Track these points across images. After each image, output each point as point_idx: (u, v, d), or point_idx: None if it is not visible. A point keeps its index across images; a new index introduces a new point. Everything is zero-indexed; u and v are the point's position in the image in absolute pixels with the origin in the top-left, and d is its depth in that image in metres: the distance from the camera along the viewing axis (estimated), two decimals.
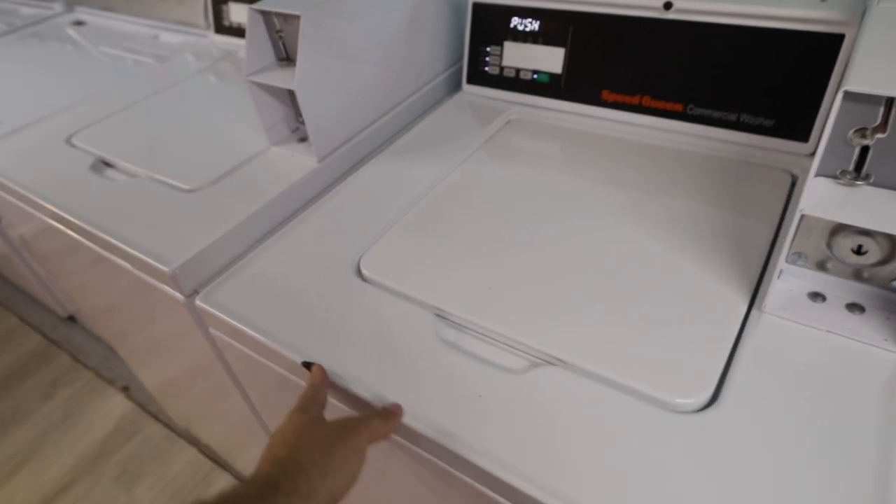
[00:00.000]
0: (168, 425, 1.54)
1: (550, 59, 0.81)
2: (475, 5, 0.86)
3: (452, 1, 0.92)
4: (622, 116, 0.78)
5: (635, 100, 0.76)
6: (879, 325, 0.48)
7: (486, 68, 0.88)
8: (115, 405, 1.62)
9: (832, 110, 0.43)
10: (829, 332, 0.49)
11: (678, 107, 0.73)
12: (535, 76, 0.83)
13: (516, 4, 0.81)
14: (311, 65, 0.72)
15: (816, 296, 0.52)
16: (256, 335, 0.58)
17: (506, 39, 0.84)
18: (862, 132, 0.44)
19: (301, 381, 0.58)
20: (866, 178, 0.46)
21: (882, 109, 0.43)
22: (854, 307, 0.50)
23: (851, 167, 0.46)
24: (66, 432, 1.57)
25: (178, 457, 1.47)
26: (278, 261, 0.67)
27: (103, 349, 1.78)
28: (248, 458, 1.25)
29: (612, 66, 0.76)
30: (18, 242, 1.53)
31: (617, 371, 0.48)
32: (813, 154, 0.46)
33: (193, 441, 1.49)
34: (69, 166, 0.88)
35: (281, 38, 0.78)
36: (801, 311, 0.51)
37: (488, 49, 0.87)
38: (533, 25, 0.81)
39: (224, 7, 1.24)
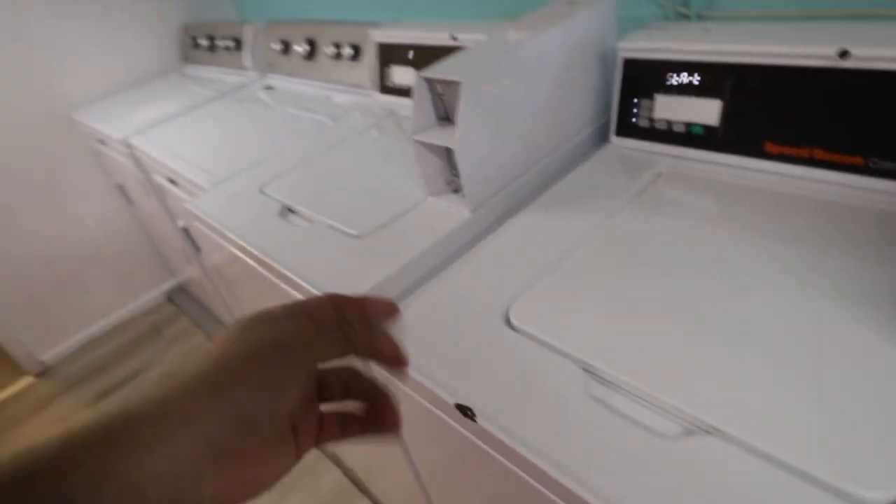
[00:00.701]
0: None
1: (706, 111, 0.79)
2: (626, 61, 0.87)
3: (601, 55, 0.94)
4: (788, 170, 0.73)
5: (804, 152, 0.71)
6: None
7: (636, 120, 0.89)
8: None
9: None
10: None
11: (857, 160, 0.67)
12: (689, 128, 0.82)
13: (670, 59, 0.82)
14: (469, 125, 0.78)
15: None
16: (412, 373, 0.63)
17: (657, 92, 0.84)
18: None
19: (450, 420, 0.62)
20: None
21: None
22: None
23: None
24: None
25: (326, 476, 1.59)
26: (432, 305, 0.72)
27: None
28: (387, 485, 1.32)
29: (776, 117, 0.73)
30: (211, 270, 1.80)
31: (784, 447, 0.45)
32: None
33: (338, 463, 1.61)
34: (261, 211, 1.03)
35: (441, 99, 0.86)
36: None
37: (639, 102, 0.87)
38: (687, 79, 0.80)
39: (387, 70, 1.38)
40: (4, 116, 2.04)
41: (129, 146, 1.70)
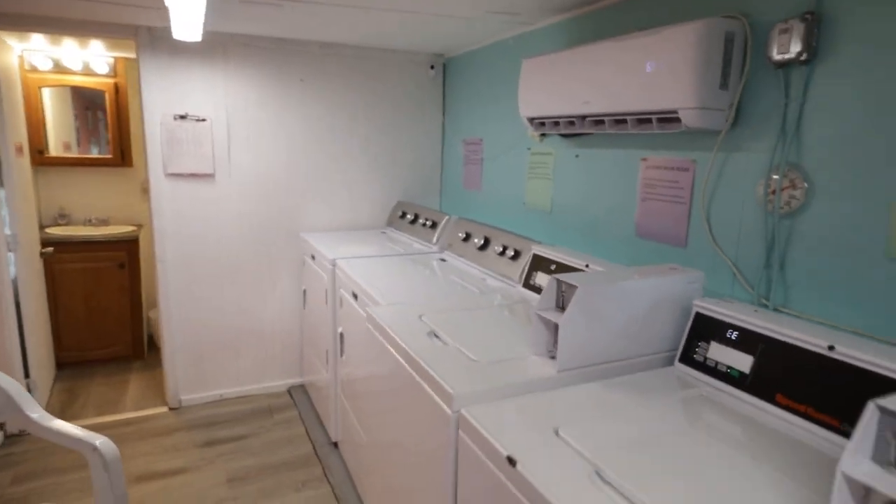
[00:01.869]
0: None
1: (742, 361, 1.11)
2: (698, 314, 1.24)
3: (685, 307, 1.32)
4: (789, 417, 1.00)
5: (802, 408, 0.99)
6: None
7: (695, 355, 1.22)
8: None
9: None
10: None
11: (834, 422, 0.93)
12: (729, 370, 1.13)
13: (726, 321, 1.17)
14: (573, 314, 1.18)
15: None
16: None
17: (714, 340, 1.18)
18: None
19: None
20: None
21: None
22: None
23: None
24: None
25: None
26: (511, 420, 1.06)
27: (345, 473, 2.28)
28: None
29: (787, 377, 1.03)
30: (342, 377, 2.24)
31: None
32: None
33: None
34: (416, 329, 1.48)
35: (562, 294, 1.28)
36: None
37: (699, 343, 1.22)
38: (734, 336, 1.14)
39: (534, 273, 1.87)
40: (259, 219, 2.89)
41: (334, 264, 2.33)
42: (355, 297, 2.04)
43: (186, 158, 2.69)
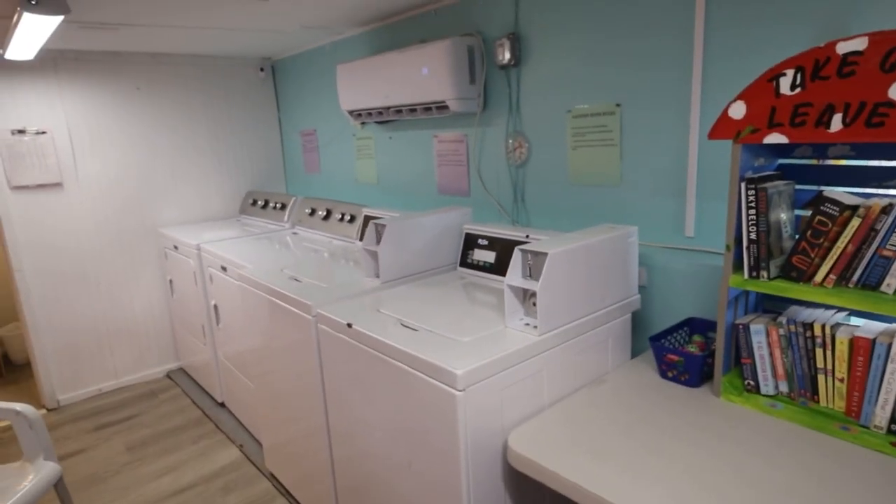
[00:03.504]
0: (259, 468, 2.34)
1: (490, 256, 1.80)
2: (466, 234, 1.91)
3: (458, 231, 1.99)
4: None
5: None
6: None
7: (467, 259, 1.89)
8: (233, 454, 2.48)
9: None
10: None
11: None
12: (483, 263, 1.82)
13: (481, 234, 1.85)
14: (387, 244, 1.78)
15: None
16: None
17: (476, 247, 1.86)
18: None
19: None
20: None
21: None
22: None
23: None
24: (201, 462, 2.43)
25: (260, 484, 2.24)
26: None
27: (236, 422, 2.71)
28: (311, 493, 2.01)
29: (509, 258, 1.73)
30: (220, 351, 2.65)
31: None
32: None
33: (271, 477, 2.26)
34: (281, 277, 1.98)
35: (379, 233, 1.86)
36: None
37: (468, 251, 1.89)
38: (485, 243, 1.83)
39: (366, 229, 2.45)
40: (114, 220, 3.11)
41: (198, 248, 2.70)
42: (224, 269, 2.46)
43: (31, 170, 2.83)
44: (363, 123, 2.81)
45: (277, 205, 3.17)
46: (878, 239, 1.07)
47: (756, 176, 1.22)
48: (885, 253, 1.07)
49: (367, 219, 2.49)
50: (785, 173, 1.31)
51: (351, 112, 2.56)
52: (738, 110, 1.18)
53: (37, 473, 1.73)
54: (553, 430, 1.22)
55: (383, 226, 1.81)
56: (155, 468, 2.41)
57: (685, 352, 1.39)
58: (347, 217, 2.63)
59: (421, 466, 1.33)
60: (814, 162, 1.30)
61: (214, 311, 2.66)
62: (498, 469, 1.29)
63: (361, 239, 2.49)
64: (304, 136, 3.38)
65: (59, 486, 1.79)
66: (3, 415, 1.78)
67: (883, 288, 1.09)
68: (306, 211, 2.94)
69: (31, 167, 2.83)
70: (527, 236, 1.74)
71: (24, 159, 2.81)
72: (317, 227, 2.84)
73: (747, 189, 1.19)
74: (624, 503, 0.98)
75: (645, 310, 1.76)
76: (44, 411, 3.00)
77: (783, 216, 1.24)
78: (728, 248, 1.24)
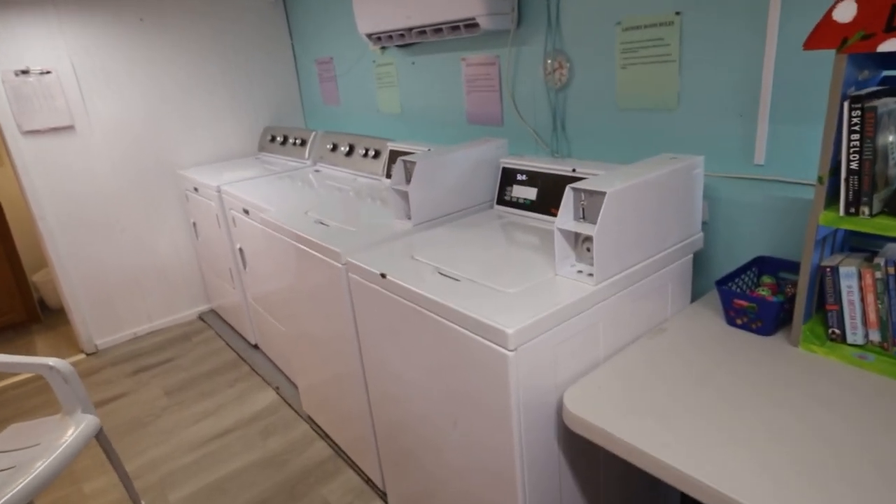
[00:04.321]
0: (296, 410, 2.33)
1: (530, 193, 1.64)
2: (503, 168, 1.74)
3: (494, 165, 1.82)
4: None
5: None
6: None
7: (505, 196, 1.73)
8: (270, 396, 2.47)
9: None
10: None
11: None
12: (524, 201, 1.66)
13: (520, 168, 1.68)
14: (417, 184, 1.63)
15: None
16: None
17: (514, 184, 1.70)
18: None
19: None
20: None
21: None
22: None
23: None
24: (239, 405, 2.44)
25: (299, 427, 2.23)
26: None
27: (270, 364, 2.70)
28: (351, 438, 1.98)
29: (557, 196, 1.56)
30: (249, 293, 2.59)
31: None
32: None
33: (308, 420, 2.26)
34: (306, 220, 1.86)
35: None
36: None
37: (506, 188, 1.73)
38: (524, 178, 1.66)
39: (393, 165, 2.29)
40: (131, 163, 3.00)
41: (219, 190, 2.59)
42: (246, 212, 2.35)
43: (41, 114, 2.70)
44: (383, 48, 2.58)
45: (297, 141, 3.01)
46: None
47: (862, 93, 1.02)
48: None
49: (393, 154, 2.32)
50: (892, 87, 1.10)
51: (370, 35, 2.33)
52: (845, 12, 0.96)
53: (77, 427, 1.72)
54: (611, 387, 1.11)
55: (413, 163, 1.65)
56: (194, 412, 2.42)
57: (758, 297, 1.24)
58: (372, 152, 2.47)
59: (467, 426, 1.25)
60: None
61: (240, 254, 2.58)
62: (552, 430, 1.19)
63: (388, 176, 2.33)
64: (320, 65, 3.15)
65: (100, 436, 1.79)
66: (37, 369, 1.76)
67: None
68: (328, 146, 2.78)
69: (40, 110, 2.70)
70: (573, 170, 1.57)
71: (32, 102, 2.67)
72: (340, 164, 2.68)
73: (851, 109, 0.99)
74: (692, 471, 0.88)
75: (707, 248, 1.60)
76: (82, 356, 3.05)
77: (891, 140, 1.04)
78: (821, 179, 1.06)
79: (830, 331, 1.16)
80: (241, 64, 3.23)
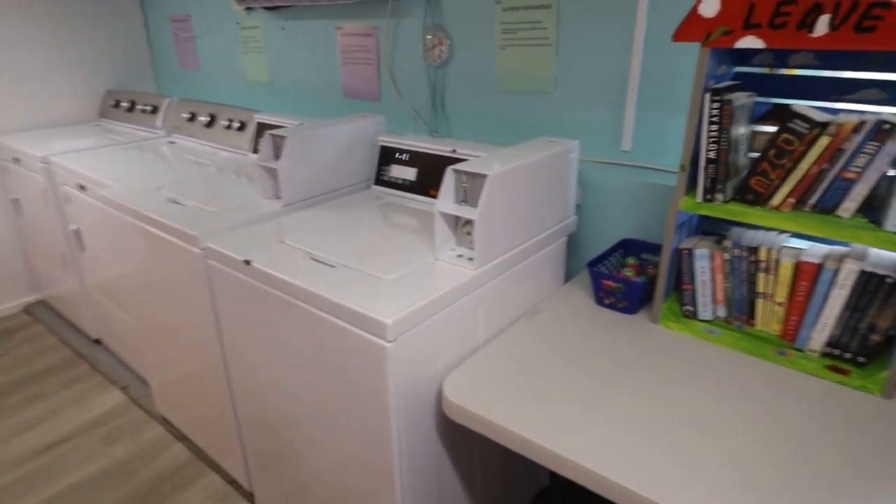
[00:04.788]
0: (148, 411, 2.08)
1: (410, 173, 1.57)
2: (382, 147, 1.65)
3: (372, 143, 1.73)
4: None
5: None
6: None
7: (383, 177, 1.65)
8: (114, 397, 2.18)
9: None
10: None
11: None
12: (403, 181, 1.59)
13: (399, 147, 1.61)
14: (287, 159, 1.49)
15: None
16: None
17: (393, 163, 1.62)
18: None
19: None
20: None
21: None
22: None
23: None
24: (77, 410, 2.12)
25: (151, 430, 1.99)
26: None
27: (116, 361, 2.38)
28: (212, 438, 1.79)
29: (435, 177, 1.52)
30: (88, 277, 2.25)
31: None
32: None
33: (163, 421, 2.03)
34: (157, 199, 1.63)
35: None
36: None
37: (384, 167, 1.65)
38: (405, 157, 1.59)
39: (260, 139, 2.10)
40: None
41: (46, 162, 2.20)
42: (83, 188, 2.02)
43: None
44: (248, 9, 2.34)
45: (148, 107, 2.65)
46: (844, 160, 0.99)
47: (720, 86, 1.08)
48: (849, 175, 1.00)
49: (261, 127, 2.13)
50: (743, 83, 1.19)
51: None
52: (710, 7, 1.01)
53: None
54: (491, 372, 1.09)
55: (283, 137, 1.51)
56: (19, 420, 2.07)
57: (624, 278, 1.30)
58: (236, 124, 2.24)
59: (342, 419, 1.17)
60: (768, 71, 1.18)
61: (76, 236, 2.23)
62: (431, 419, 1.16)
63: (255, 151, 2.14)
64: (176, 23, 2.80)
65: None
66: None
67: (839, 212, 1.03)
68: (184, 115, 2.49)
69: None
70: (453, 151, 1.53)
71: None
72: (199, 136, 2.41)
73: (712, 101, 1.05)
74: (565, 452, 0.89)
75: (579, 231, 1.65)
76: None
77: (741, 132, 1.12)
78: (683, 167, 1.12)
79: (685, 308, 1.25)
80: (78, 15, 2.77)
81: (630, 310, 1.31)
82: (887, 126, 0.94)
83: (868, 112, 1.02)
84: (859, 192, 1.00)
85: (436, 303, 1.07)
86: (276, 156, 1.56)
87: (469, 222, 1.18)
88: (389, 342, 0.99)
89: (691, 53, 1.33)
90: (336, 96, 2.18)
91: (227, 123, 2.28)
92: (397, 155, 1.63)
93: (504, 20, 1.61)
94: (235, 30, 2.47)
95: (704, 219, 1.34)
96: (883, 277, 1.00)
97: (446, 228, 1.22)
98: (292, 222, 1.45)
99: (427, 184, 1.56)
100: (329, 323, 1.08)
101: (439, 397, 1.16)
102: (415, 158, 1.60)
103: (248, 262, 1.22)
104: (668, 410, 0.98)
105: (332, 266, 1.19)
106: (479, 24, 1.68)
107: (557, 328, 1.25)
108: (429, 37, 1.80)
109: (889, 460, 0.87)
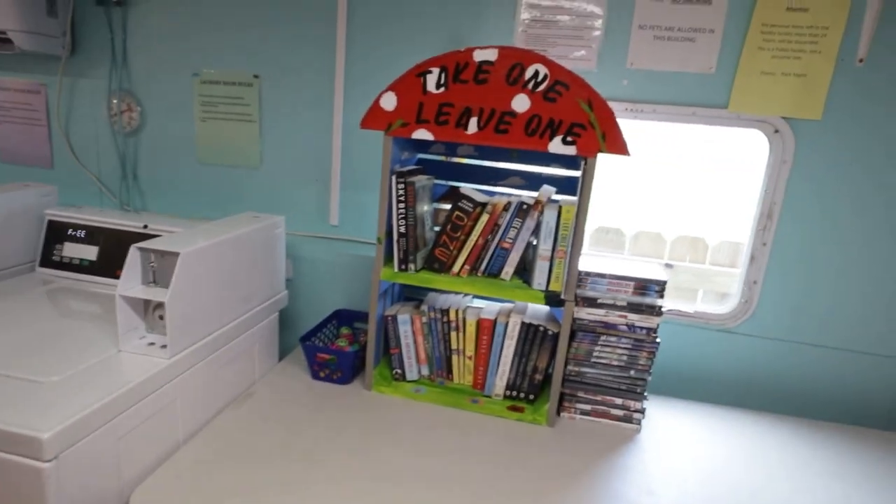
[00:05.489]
0: None
1: (90, 251, 1.36)
2: (50, 221, 1.39)
3: (38, 217, 1.45)
4: None
5: None
6: None
7: (53, 257, 1.38)
8: None
9: None
10: None
11: None
12: (81, 261, 1.36)
13: (76, 223, 1.37)
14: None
15: None
16: None
17: (66, 241, 1.38)
18: None
19: None
20: None
21: None
22: None
23: None
24: None
25: None
26: None
27: None
28: None
29: (123, 255, 1.34)
30: None
31: None
32: None
33: None
34: None
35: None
36: None
37: (56, 245, 1.38)
38: (83, 234, 1.36)
39: None
40: None
41: None
42: None
43: None
44: None
45: None
46: (500, 233, 1.21)
47: (404, 170, 1.23)
48: (505, 245, 1.22)
49: None
50: (424, 168, 1.38)
51: None
52: (389, 102, 1.15)
53: None
54: (192, 473, 0.97)
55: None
56: None
57: (337, 349, 1.33)
58: None
59: None
60: (444, 159, 1.40)
61: None
62: None
63: None
64: None
65: None
66: None
67: (503, 275, 1.24)
68: None
69: None
70: (145, 226, 1.38)
71: None
72: None
73: (398, 183, 1.18)
74: None
75: (292, 305, 1.63)
76: None
77: (426, 209, 1.29)
78: (380, 240, 1.22)
79: (394, 371, 1.33)
80: None
81: (344, 380, 1.33)
82: (525, 206, 1.19)
83: (514, 195, 1.28)
84: (514, 259, 1.23)
85: (117, 401, 0.92)
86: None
87: (160, 305, 1.06)
88: (47, 462, 0.80)
89: (381, 138, 1.49)
90: None
91: None
92: (70, 231, 1.39)
93: (204, 92, 1.57)
94: None
95: (405, 286, 1.47)
96: (538, 327, 1.23)
97: (132, 314, 1.07)
98: None
99: (114, 264, 1.36)
100: None
101: None
102: (95, 235, 1.38)
103: None
104: (379, 468, 1.01)
105: None
106: (175, 93, 1.59)
107: (270, 410, 1.19)
108: (115, 101, 1.63)
109: (549, 474, 1.05)
